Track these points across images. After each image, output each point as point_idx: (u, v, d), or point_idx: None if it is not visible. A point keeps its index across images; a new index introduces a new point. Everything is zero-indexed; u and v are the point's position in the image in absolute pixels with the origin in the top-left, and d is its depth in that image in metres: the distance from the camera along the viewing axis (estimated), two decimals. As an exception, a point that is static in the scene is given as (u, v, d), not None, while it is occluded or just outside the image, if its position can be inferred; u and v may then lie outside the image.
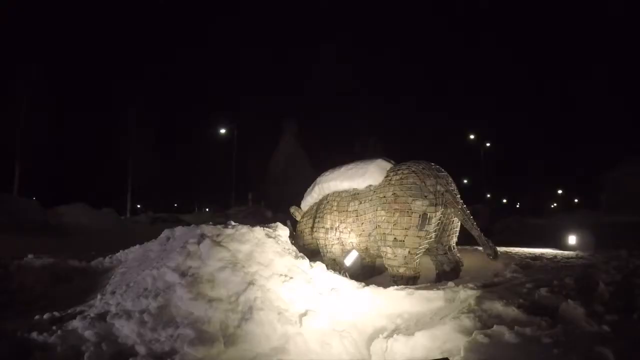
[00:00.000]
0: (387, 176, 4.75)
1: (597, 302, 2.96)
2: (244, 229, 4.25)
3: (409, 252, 4.32)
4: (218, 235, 4.11)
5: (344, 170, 5.40)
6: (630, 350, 2.25)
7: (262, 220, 12.88)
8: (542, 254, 5.81)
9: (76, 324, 3.11)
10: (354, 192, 5.12)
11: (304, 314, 3.34)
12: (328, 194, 5.59)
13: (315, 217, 5.68)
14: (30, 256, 5.27)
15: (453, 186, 4.54)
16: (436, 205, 4.30)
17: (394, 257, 4.40)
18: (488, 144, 31.93)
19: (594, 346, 2.24)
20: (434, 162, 4.77)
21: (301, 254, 4.35)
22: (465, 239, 4.90)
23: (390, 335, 3.00)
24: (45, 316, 3.41)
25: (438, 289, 3.59)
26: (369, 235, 4.87)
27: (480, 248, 4.65)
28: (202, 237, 4.06)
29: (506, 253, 5.54)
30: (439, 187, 4.36)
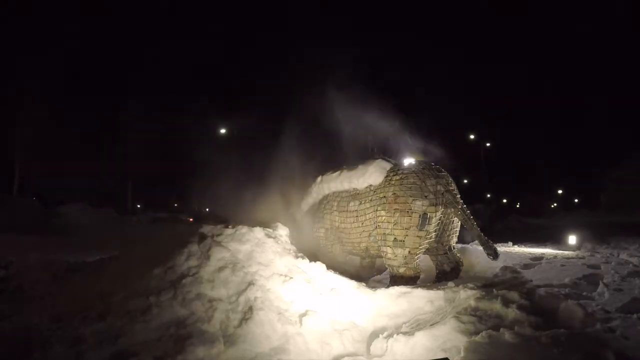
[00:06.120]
0: (387, 176, 4.75)
1: (597, 302, 2.97)
2: (244, 229, 4.25)
3: (409, 252, 4.32)
4: (218, 235, 4.11)
5: (344, 170, 5.41)
6: (630, 350, 2.25)
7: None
8: (542, 254, 5.81)
9: (76, 324, 3.10)
10: (354, 192, 5.12)
11: (304, 314, 3.34)
12: (328, 194, 5.59)
13: (315, 217, 5.69)
14: (30, 256, 5.27)
15: (453, 186, 4.55)
16: (436, 205, 4.31)
17: (394, 257, 4.41)
18: (488, 144, 31.91)
19: (594, 346, 2.24)
20: (434, 162, 4.78)
21: (301, 254, 4.35)
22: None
23: (390, 335, 3.00)
24: (45, 316, 3.41)
25: (438, 289, 3.60)
26: (369, 235, 4.87)
27: (480, 248, 4.65)
28: (202, 237, 4.07)
29: (506, 253, 5.54)
30: (439, 187, 4.36)
